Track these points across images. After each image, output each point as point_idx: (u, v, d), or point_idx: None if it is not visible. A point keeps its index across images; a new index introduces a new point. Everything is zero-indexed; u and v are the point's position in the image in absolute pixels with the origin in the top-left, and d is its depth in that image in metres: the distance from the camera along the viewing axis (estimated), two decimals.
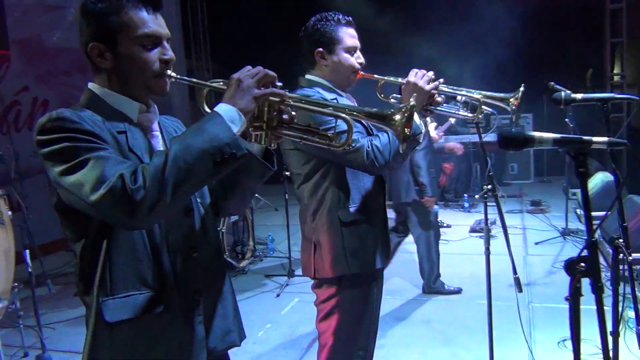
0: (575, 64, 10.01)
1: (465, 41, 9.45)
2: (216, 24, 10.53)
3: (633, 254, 4.32)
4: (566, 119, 5.72)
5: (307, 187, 2.07)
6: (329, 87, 2.09)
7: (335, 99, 2.06)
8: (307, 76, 2.13)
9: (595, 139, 1.39)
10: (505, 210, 7.06)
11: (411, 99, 1.46)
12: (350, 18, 2.12)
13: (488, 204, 2.83)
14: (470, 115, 2.08)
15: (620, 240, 2.05)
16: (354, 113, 1.36)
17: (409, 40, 8.84)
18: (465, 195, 7.40)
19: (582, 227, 6.01)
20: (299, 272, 5.10)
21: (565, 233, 5.69)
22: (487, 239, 2.75)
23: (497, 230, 6.16)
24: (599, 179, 6.42)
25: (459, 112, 2.10)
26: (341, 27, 2.07)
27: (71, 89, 7.39)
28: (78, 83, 7.45)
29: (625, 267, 2.34)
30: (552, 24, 9.54)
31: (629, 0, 9.22)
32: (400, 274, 4.87)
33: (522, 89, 2.05)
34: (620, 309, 2.10)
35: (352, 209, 2.02)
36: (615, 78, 9.71)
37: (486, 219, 2.82)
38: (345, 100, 2.11)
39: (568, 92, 2.14)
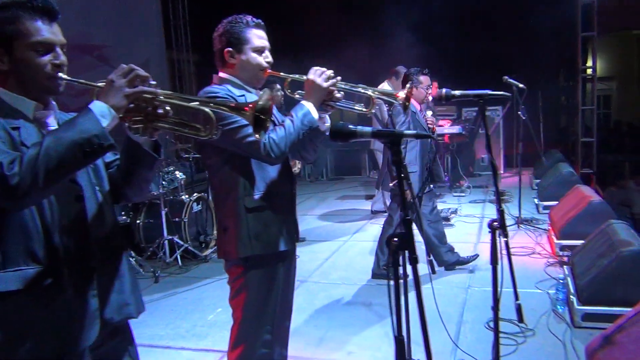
0: (547, 58, 10.21)
1: (435, 37, 9.64)
2: (197, 15, 10.65)
3: (565, 241, 4.56)
4: (519, 112, 5.89)
5: (217, 177, 2.26)
6: (238, 85, 2.27)
7: (244, 95, 2.24)
8: (220, 74, 2.31)
9: (406, 132, 1.57)
10: (469, 200, 7.30)
11: (263, 95, 1.64)
12: (260, 21, 2.30)
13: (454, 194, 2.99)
14: (365, 110, 2.25)
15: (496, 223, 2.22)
16: (217, 106, 1.54)
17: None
18: (432, 185, 7.58)
19: (538, 215, 6.24)
20: None
21: (519, 222, 5.88)
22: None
23: (456, 219, 6.39)
24: (558, 170, 6.62)
25: (356, 107, 2.27)
26: (249, 29, 2.24)
27: None
28: None
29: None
30: (524, 19, 9.70)
31: None
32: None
33: (408, 85, 2.22)
34: (499, 286, 2.28)
35: (256, 197, 2.20)
36: (589, 71, 9.86)
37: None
38: (253, 97, 2.28)
39: (449, 89, 2.29)
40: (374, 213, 6.90)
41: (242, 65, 2.25)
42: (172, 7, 10.36)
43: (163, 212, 5.20)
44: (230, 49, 2.24)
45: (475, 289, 4.30)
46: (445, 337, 3.36)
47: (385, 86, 6.61)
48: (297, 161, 5.50)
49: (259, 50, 2.26)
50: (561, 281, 3.79)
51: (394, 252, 1.61)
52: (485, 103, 2.38)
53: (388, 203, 6.78)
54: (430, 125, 4.52)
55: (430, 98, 8.11)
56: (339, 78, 2.23)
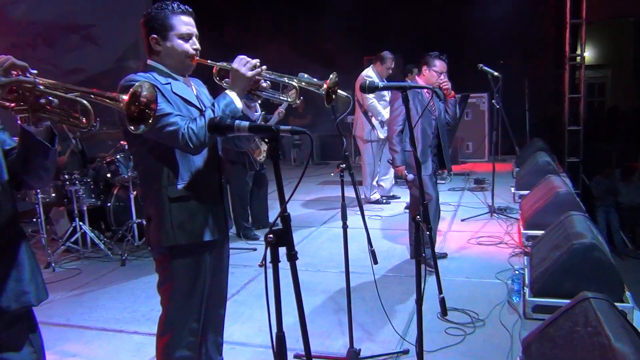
0: (536, 45, 10.09)
1: (417, 18, 9.55)
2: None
3: (531, 231, 4.53)
4: (493, 100, 5.84)
5: (142, 165, 2.24)
6: (165, 72, 2.23)
7: (169, 83, 2.21)
8: (148, 61, 2.27)
9: (282, 127, 1.54)
10: (448, 188, 7.27)
11: (139, 85, 1.60)
12: (187, 7, 2.25)
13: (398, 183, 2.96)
14: (290, 100, 2.22)
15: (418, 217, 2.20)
16: (97, 97, 1.50)
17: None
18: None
19: (513, 205, 6.21)
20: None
21: (492, 211, 5.86)
22: (344, 214, 2.91)
23: (379, 207, 6.34)
24: (535, 159, 6.58)
25: (282, 97, 2.24)
26: (175, 15, 2.20)
27: (37, 62, 7.50)
28: (45, 56, 7.56)
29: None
30: (513, 3, 9.56)
31: None
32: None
33: (332, 75, 2.18)
34: (422, 280, 2.26)
35: (179, 186, 2.18)
36: (578, 59, 9.75)
37: (343, 196, 2.98)
38: (181, 85, 2.25)
39: (373, 79, 2.25)
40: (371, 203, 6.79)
41: (168, 52, 2.22)
42: None
43: (132, 195, 5.19)
44: (155, 35, 2.20)
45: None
46: (397, 326, 3.38)
47: (369, 72, 6.54)
48: (263, 150, 5.48)
49: (185, 37, 2.22)
50: (516, 272, 3.78)
51: (271, 248, 1.59)
52: (439, 94, 2.32)
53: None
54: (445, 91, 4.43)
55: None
56: (264, 67, 2.20)
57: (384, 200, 6.73)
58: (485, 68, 5.62)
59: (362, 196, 7.08)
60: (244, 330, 3.55)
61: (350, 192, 7.13)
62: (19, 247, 1.70)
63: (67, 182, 5.09)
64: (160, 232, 2.19)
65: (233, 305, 3.98)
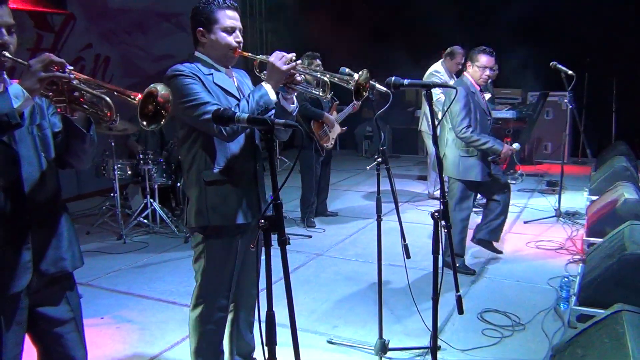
0: (627, 39, 9.45)
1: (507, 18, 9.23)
2: None
3: (593, 238, 4.36)
4: (565, 100, 5.59)
5: (183, 150, 2.43)
6: (209, 64, 2.41)
7: (212, 74, 2.38)
8: (195, 52, 2.46)
9: (277, 120, 1.63)
10: (517, 189, 7.07)
11: (155, 86, 1.74)
12: (233, 2, 2.41)
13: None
14: (321, 94, 2.32)
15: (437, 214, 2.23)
16: (119, 94, 1.67)
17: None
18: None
19: (583, 210, 5.95)
20: None
21: (559, 215, 5.65)
22: (379, 207, 2.98)
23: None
24: (612, 164, 6.24)
25: (314, 91, 2.35)
26: (220, 10, 2.36)
27: (132, 47, 8.07)
28: (139, 42, 8.13)
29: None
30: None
31: None
32: None
33: (362, 72, 2.25)
34: (440, 276, 2.30)
35: (215, 170, 2.35)
36: None
37: (378, 189, 3.04)
38: (223, 76, 2.42)
39: (399, 77, 2.28)
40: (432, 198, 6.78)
41: (212, 44, 2.38)
42: None
43: None
44: (201, 28, 2.38)
45: (485, 278, 4.25)
46: (428, 321, 3.39)
47: (438, 66, 6.48)
48: (331, 137, 5.61)
49: (229, 30, 2.37)
50: (566, 279, 3.67)
51: (264, 234, 1.70)
52: (430, 93, 2.33)
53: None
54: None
55: (489, 80, 7.88)
56: (299, 62, 2.31)
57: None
58: (559, 66, 5.40)
59: (426, 191, 7.05)
60: (285, 312, 3.70)
61: (412, 187, 7.15)
62: (60, 218, 1.92)
63: (142, 162, 5.49)
64: (196, 212, 2.38)
65: (278, 288, 4.14)
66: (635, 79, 9.59)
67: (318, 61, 5.43)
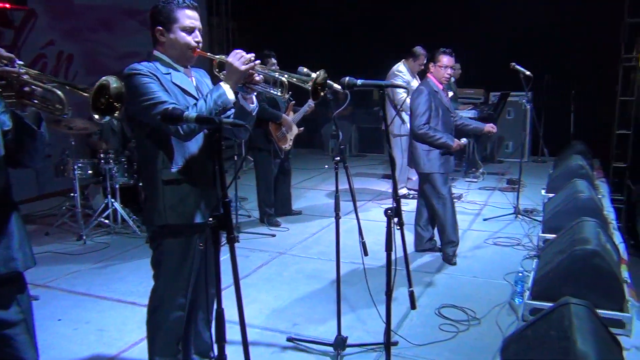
0: (587, 44, 9.76)
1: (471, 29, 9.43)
2: None
3: (547, 234, 4.51)
4: (523, 100, 5.77)
5: (140, 149, 2.44)
6: (167, 63, 2.41)
7: (170, 73, 2.39)
8: (153, 51, 2.46)
9: (225, 120, 1.67)
10: (479, 187, 7.23)
11: (106, 79, 1.76)
12: (192, 2, 2.42)
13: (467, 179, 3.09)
14: (279, 94, 2.36)
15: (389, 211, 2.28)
16: (70, 87, 1.69)
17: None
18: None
19: (539, 207, 6.13)
20: (247, 229, 5.52)
21: (517, 212, 5.81)
22: (337, 205, 3.03)
23: (457, 205, 6.35)
24: (568, 162, 6.44)
25: (272, 91, 2.38)
26: (180, 9, 2.37)
27: (96, 44, 7.93)
28: (103, 39, 7.99)
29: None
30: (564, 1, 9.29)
31: None
32: None
33: (319, 72, 2.30)
34: (392, 272, 2.36)
35: (173, 170, 2.36)
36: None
37: (337, 188, 3.10)
38: (181, 76, 2.43)
39: (352, 77, 2.34)
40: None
41: (171, 43, 2.39)
42: None
43: None
44: (160, 27, 2.38)
45: (444, 275, 4.35)
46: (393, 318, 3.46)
47: (400, 67, 6.57)
48: (289, 138, 5.64)
49: (188, 30, 2.39)
50: (520, 274, 3.80)
51: (213, 232, 1.73)
52: (384, 93, 2.39)
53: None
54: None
55: (452, 79, 8.04)
56: (257, 62, 2.34)
57: (410, 195, 6.76)
58: (518, 67, 5.56)
59: (389, 190, 7.15)
60: (246, 311, 3.68)
61: (377, 185, 7.23)
62: (10, 217, 1.90)
63: (103, 161, 5.42)
64: (154, 211, 2.39)
65: (242, 287, 4.18)
66: (592, 81, 9.92)
67: (273, 60, 5.44)
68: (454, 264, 4.53)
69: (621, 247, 4.45)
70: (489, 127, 4.73)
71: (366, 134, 10.48)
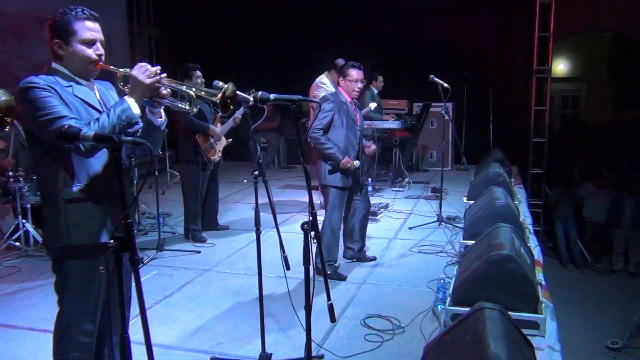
0: (503, 56, 10.28)
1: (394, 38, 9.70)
2: None
3: (468, 241, 4.65)
4: (442, 111, 5.98)
5: (39, 166, 2.31)
6: (68, 76, 2.31)
7: (71, 86, 2.28)
8: (52, 64, 2.34)
9: (124, 138, 1.63)
10: (405, 195, 7.39)
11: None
12: (93, 12, 2.33)
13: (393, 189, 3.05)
14: (187, 108, 2.31)
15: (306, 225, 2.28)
16: None
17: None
18: (370, 179, 7.60)
19: (461, 214, 6.33)
20: (171, 246, 5.37)
21: (440, 220, 5.97)
22: (257, 220, 3.00)
23: (383, 215, 6.48)
24: (487, 170, 6.70)
25: (180, 105, 2.33)
26: (79, 21, 2.28)
27: (6, 54, 7.49)
28: (14, 48, 7.55)
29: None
30: (482, 15, 9.73)
31: None
32: None
33: (228, 85, 2.27)
34: (311, 287, 2.35)
35: (75, 188, 2.25)
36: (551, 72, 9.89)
37: (256, 202, 3.06)
38: (84, 89, 2.33)
39: (265, 92, 2.33)
40: None
41: (70, 56, 2.29)
42: None
43: None
44: (57, 40, 2.28)
45: (370, 285, 4.40)
46: (319, 332, 3.45)
47: (324, 78, 6.64)
48: (218, 150, 5.56)
49: (88, 43, 2.29)
50: (442, 281, 3.89)
51: (115, 254, 1.66)
52: (297, 107, 2.40)
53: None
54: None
55: (375, 91, 8.20)
56: (163, 75, 2.28)
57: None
58: (436, 79, 5.75)
59: (318, 202, 7.17)
60: (168, 332, 3.61)
61: (305, 197, 7.23)
62: None
63: (12, 179, 5.12)
64: (54, 232, 2.27)
65: (164, 307, 4.06)
66: (509, 91, 10.45)
67: (198, 73, 5.37)
68: (344, 278, 4.49)
69: (536, 250, 4.68)
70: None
71: (295, 145, 10.51)
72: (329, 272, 4.39)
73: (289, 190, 8.13)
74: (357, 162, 4.55)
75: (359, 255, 4.85)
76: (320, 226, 4.42)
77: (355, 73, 4.43)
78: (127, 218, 1.67)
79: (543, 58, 9.72)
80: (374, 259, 4.89)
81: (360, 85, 4.48)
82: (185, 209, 5.63)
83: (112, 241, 1.70)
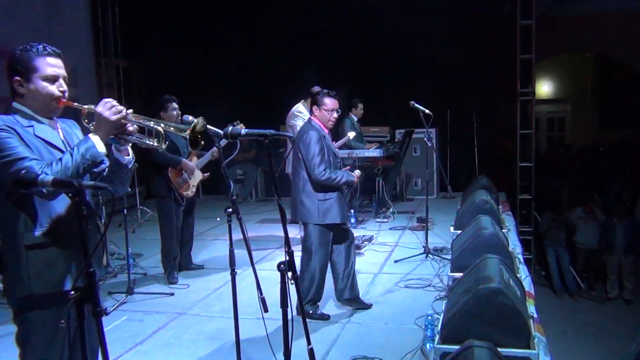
0: (486, 80, 10.49)
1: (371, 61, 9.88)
2: (128, 20, 10.68)
3: (456, 273, 4.67)
4: (424, 138, 6.07)
5: (0, 210, 2.28)
6: (28, 115, 2.31)
7: (32, 126, 2.28)
8: (12, 103, 2.34)
9: (84, 182, 1.63)
10: (390, 227, 7.42)
11: None
12: (55, 49, 2.35)
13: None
14: (156, 144, 2.32)
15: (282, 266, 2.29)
16: None
17: None
18: (352, 210, 7.63)
19: (449, 245, 6.37)
20: (142, 288, 5.30)
21: (427, 252, 6.00)
22: (231, 260, 2.99)
23: (367, 248, 6.49)
24: (473, 197, 6.77)
25: (148, 142, 2.34)
26: (40, 57, 2.29)
27: None
28: None
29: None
30: (462, 39, 9.96)
31: (538, 17, 9.72)
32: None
33: (198, 120, 2.29)
34: (290, 330, 2.34)
35: (37, 233, 2.23)
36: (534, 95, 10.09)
37: (230, 241, 3.06)
38: (45, 128, 2.33)
39: (236, 127, 2.37)
40: None
41: (31, 94, 2.30)
42: (102, 12, 10.40)
43: None
44: (17, 77, 2.29)
45: (354, 324, 4.38)
46: None
47: (300, 107, 6.72)
48: (192, 184, 5.54)
49: (50, 79, 2.30)
50: (430, 317, 3.89)
51: (76, 306, 1.65)
52: (269, 143, 2.42)
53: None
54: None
55: (355, 119, 8.30)
56: (130, 111, 2.30)
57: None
58: (417, 106, 5.85)
59: (298, 236, 7.15)
60: None
61: (280, 232, 7.16)
62: None
63: None
64: (16, 281, 2.23)
65: (135, 355, 3.99)
66: (492, 115, 10.65)
67: (174, 105, 5.40)
68: (327, 318, 4.46)
69: (527, 281, 4.72)
70: (356, 176, 4.59)
71: (273, 177, 10.52)
72: (310, 311, 4.36)
73: (267, 225, 8.11)
74: (357, 171, 4.64)
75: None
76: (301, 264, 4.44)
77: (330, 102, 4.43)
78: (89, 267, 1.66)
79: (526, 80, 9.97)
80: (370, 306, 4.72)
81: (336, 115, 4.50)
82: (162, 248, 5.59)
83: (72, 292, 1.67)
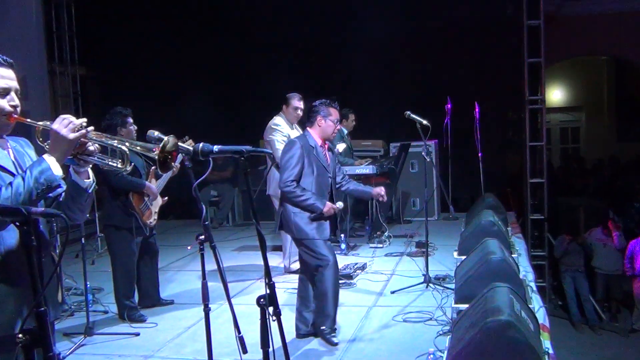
0: (493, 85, 10.61)
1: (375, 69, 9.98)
2: (86, 23, 10.73)
3: (461, 305, 4.70)
4: (422, 152, 6.13)
5: None
6: None
7: None
8: None
9: (34, 210, 1.64)
10: (385, 253, 7.44)
11: None
12: (6, 58, 2.35)
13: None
14: (120, 166, 2.33)
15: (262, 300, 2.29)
16: None
17: None
18: (342, 235, 7.65)
19: (452, 273, 6.40)
20: (103, 329, 5.26)
21: (427, 281, 6.01)
22: (205, 294, 2.99)
23: (360, 277, 6.50)
24: (479, 219, 6.82)
25: (110, 163, 2.34)
26: None
27: None
28: None
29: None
30: (463, 42, 10.11)
31: (546, 17, 9.85)
32: None
33: (168, 138, 2.31)
34: None
35: None
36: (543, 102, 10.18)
37: (203, 273, 3.06)
38: None
39: (207, 144, 2.39)
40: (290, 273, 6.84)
41: None
42: (56, 14, 10.43)
43: None
44: None
45: None
46: None
47: (277, 119, 6.72)
48: (154, 211, 5.52)
49: (1, 93, 2.31)
50: (432, 356, 3.90)
51: (25, 351, 1.64)
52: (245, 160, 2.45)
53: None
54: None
55: (345, 131, 8.37)
56: (90, 128, 2.30)
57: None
58: (413, 116, 5.91)
59: (282, 265, 7.15)
60: None
61: (260, 260, 7.16)
62: None
63: None
64: None
65: None
66: (499, 126, 10.74)
67: (129, 120, 5.36)
68: (335, 344, 4.54)
69: (540, 312, 4.75)
70: (378, 190, 4.86)
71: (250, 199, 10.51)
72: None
73: (245, 253, 8.09)
74: (339, 204, 4.67)
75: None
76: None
77: (335, 112, 4.61)
78: (39, 306, 1.65)
79: (535, 87, 10.08)
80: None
81: (339, 125, 4.61)
82: (114, 284, 5.51)
83: (20, 335, 1.67)
